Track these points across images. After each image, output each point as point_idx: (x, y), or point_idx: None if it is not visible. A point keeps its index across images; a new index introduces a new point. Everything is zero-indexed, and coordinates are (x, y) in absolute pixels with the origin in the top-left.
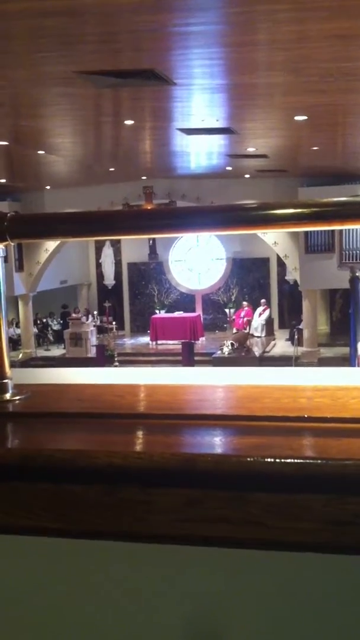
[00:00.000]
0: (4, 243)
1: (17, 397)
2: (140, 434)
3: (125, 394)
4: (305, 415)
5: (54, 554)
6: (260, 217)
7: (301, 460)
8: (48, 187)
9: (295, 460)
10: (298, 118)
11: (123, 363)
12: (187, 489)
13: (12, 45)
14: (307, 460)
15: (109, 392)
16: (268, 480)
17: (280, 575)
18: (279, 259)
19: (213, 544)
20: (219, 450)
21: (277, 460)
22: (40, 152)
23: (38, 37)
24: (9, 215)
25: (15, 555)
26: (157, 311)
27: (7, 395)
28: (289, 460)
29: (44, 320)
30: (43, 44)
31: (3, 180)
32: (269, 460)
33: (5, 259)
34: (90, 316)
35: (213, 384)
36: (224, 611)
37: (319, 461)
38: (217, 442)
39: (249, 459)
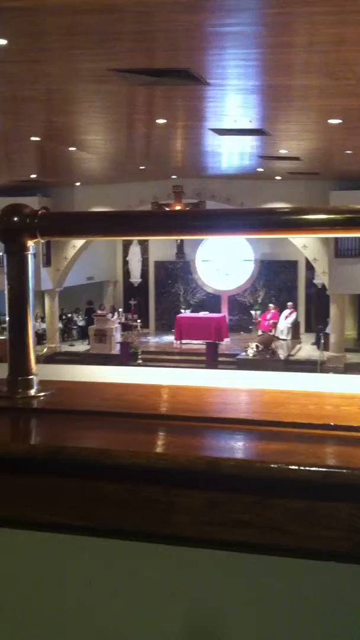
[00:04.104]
0: (34, 240)
1: (42, 394)
2: (164, 435)
3: (149, 394)
4: (332, 423)
5: (71, 551)
6: (292, 222)
7: (325, 469)
8: (78, 184)
9: (320, 469)
10: (332, 121)
11: (147, 361)
12: (209, 492)
13: (48, 41)
14: (332, 469)
15: (132, 392)
16: (291, 487)
17: (287, 581)
18: (307, 262)
19: (233, 548)
20: (243, 454)
21: (301, 467)
22: (71, 148)
23: (73, 34)
24: (39, 212)
25: (33, 550)
26: (183, 310)
27: (32, 392)
28: (313, 468)
29: (69, 315)
30: (78, 40)
31: (34, 176)
32: (293, 467)
33: (34, 255)
34: (115, 313)
35: (238, 387)
36: (228, 614)
37: (344, 470)
38: (241, 447)
39: (272, 465)
